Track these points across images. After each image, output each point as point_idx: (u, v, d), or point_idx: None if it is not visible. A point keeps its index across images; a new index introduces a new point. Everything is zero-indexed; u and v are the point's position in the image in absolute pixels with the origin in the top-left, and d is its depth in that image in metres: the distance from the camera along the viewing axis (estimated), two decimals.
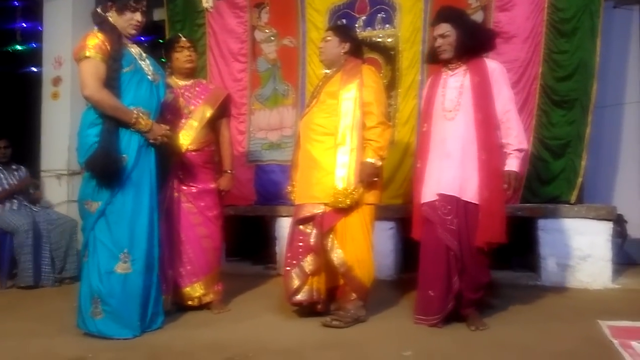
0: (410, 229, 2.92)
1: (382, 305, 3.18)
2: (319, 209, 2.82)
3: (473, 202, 2.67)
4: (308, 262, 2.87)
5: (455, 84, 2.79)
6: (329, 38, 3.05)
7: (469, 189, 2.68)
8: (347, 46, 3.02)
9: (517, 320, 2.85)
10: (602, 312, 2.94)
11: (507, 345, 2.46)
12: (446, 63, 2.87)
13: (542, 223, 3.78)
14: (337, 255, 2.80)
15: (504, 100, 2.74)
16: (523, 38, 4.01)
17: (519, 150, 2.74)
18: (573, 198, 3.85)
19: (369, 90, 2.87)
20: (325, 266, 2.86)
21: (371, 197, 2.88)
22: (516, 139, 2.73)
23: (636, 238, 4.24)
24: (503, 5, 4.07)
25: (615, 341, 2.40)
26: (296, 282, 2.87)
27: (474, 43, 2.79)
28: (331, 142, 2.84)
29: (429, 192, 2.76)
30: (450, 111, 2.76)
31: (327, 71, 3.09)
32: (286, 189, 3.20)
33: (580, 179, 3.86)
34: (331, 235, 2.82)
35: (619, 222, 3.88)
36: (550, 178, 3.96)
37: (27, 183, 4.36)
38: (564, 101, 3.93)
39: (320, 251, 2.84)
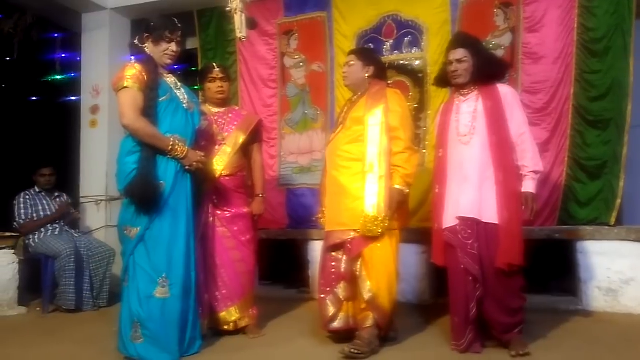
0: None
1: (417, 330, 3.15)
2: (348, 236, 2.81)
3: (493, 222, 2.65)
4: (341, 289, 2.86)
5: (469, 109, 2.81)
6: (352, 63, 3.04)
7: (489, 210, 2.67)
8: (371, 70, 3.01)
9: (560, 346, 2.79)
10: None
11: None
12: (458, 89, 2.89)
13: (581, 246, 3.69)
14: (363, 282, 2.77)
15: (518, 123, 2.75)
16: (553, 59, 3.99)
17: (535, 172, 2.74)
18: (612, 220, 3.76)
19: (395, 115, 2.86)
20: (359, 292, 2.84)
21: (397, 222, 2.86)
22: (532, 160, 2.73)
23: None
24: (532, 27, 4.06)
25: None
26: (332, 310, 2.86)
27: (489, 71, 2.83)
28: (358, 167, 2.83)
29: (449, 217, 2.75)
30: (465, 135, 2.77)
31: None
32: (316, 216, 3.21)
33: (619, 200, 3.76)
34: (359, 262, 2.80)
35: None
36: (588, 200, 3.88)
37: (66, 208, 4.47)
38: (599, 121, 3.87)
39: (352, 278, 2.82)
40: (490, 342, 2.76)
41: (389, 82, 4.39)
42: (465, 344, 2.68)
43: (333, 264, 2.89)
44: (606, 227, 3.73)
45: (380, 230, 2.72)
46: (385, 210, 2.73)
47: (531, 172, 2.73)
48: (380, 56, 3.59)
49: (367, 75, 3.01)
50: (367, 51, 3.44)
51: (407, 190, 2.85)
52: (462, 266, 2.65)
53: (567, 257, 3.78)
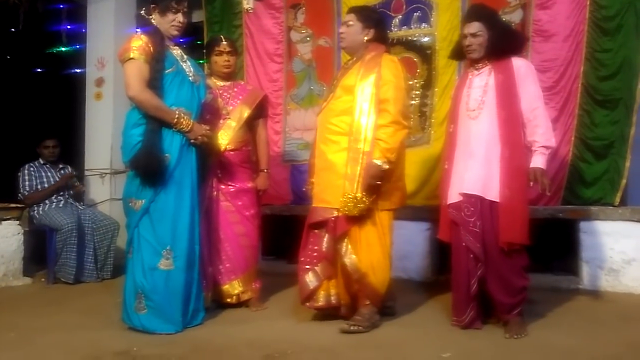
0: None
1: (419, 307, 3.17)
2: (331, 214, 2.70)
3: (497, 200, 2.62)
4: (321, 268, 2.78)
5: (480, 83, 2.76)
6: (351, 23, 2.85)
7: (493, 188, 2.63)
8: (371, 32, 2.83)
9: (559, 325, 2.79)
10: None
11: (548, 349, 2.42)
12: (472, 63, 2.84)
13: (584, 225, 3.68)
14: (351, 261, 2.68)
15: (531, 98, 2.68)
16: (564, 36, 3.91)
17: (546, 147, 2.67)
18: (617, 200, 3.74)
19: (387, 86, 2.69)
20: (345, 270, 2.75)
21: (387, 203, 2.76)
22: (543, 136, 2.66)
23: None
24: (543, 3, 3.98)
25: None
26: (310, 287, 2.78)
27: (504, 46, 2.75)
28: (346, 142, 2.71)
29: (454, 193, 2.73)
30: (474, 110, 2.73)
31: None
32: (306, 187, 3.16)
33: (624, 181, 3.73)
34: (345, 240, 2.70)
35: None
36: (593, 180, 3.85)
37: (69, 177, 4.48)
38: (607, 101, 3.81)
39: (333, 258, 2.74)
40: (492, 319, 2.78)
41: (398, 58, 4.43)
42: (467, 320, 2.68)
43: (314, 241, 2.79)
44: (610, 207, 3.71)
45: (356, 212, 2.61)
46: (362, 189, 2.62)
47: (542, 146, 2.66)
48: (382, 17, 3.29)
49: (365, 38, 2.83)
50: (369, 11, 3.09)
51: (387, 167, 2.64)
52: (464, 244, 2.64)
53: (570, 237, 3.78)
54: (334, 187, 2.70)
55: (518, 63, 2.75)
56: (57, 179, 4.44)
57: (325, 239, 2.77)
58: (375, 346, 2.49)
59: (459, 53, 2.94)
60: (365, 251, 2.70)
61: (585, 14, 3.85)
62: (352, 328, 2.65)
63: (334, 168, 2.74)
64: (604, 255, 3.61)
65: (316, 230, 2.80)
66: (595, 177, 3.85)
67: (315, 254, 2.79)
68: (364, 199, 2.63)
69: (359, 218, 2.67)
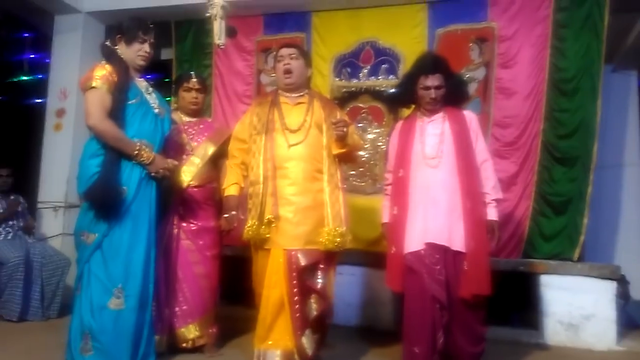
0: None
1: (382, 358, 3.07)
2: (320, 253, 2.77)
3: (462, 251, 2.62)
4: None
5: (435, 130, 2.78)
6: (294, 56, 2.83)
7: (457, 238, 2.63)
8: (309, 72, 2.92)
9: None
10: None
11: None
12: (421, 108, 2.87)
13: (545, 279, 3.72)
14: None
15: (481, 150, 2.79)
16: (525, 95, 4.07)
17: (496, 201, 2.77)
18: (575, 255, 3.80)
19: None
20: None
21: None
22: (493, 189, 2.76)
23: (639, 300, 4.17)
24: (505, 63, 4.15)
25: None
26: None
27: (459, 97, 2.86)
28: (325, 178, 2.81)
29: (414, 241, 2.66)
30: (433, 158, 2.73)
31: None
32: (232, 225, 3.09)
33: (582, 237, 3.82)
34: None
35: (622, 283, 3.82)
36: (552, 234, 3.92)
37: (15, 206, 4.26)
38: (566, 159, 3.95)
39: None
40: None
41: (365, 107, 4.50)
42: None
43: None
44: (570, 262, 3.77)
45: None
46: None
47: (493, 199, 2.75)
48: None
49: (308, 76, 2.90)
50: (306, 52, 3.17)
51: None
52: (430, 293, 2.55)
53: (529, 290, 3.80)
54: (322, 224, 2.68)
55: (470, 115, 2.84)
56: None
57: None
58: None
59: (405, 101, 2.99)
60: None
61: (544, 75, 4.03)
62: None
63: (323, 206, 2.71)
64: (563, 309, 3.63)
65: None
66: (555, 232, 3.93)
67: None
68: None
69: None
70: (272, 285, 2.63)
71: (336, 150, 2.75)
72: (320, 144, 2.78)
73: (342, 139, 2.71)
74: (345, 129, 2.67)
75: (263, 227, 2.67)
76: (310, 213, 2.69)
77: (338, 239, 2.64)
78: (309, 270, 2.66)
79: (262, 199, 2.70)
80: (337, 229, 2.66)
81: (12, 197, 4.33)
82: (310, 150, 2.76)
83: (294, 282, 2.61)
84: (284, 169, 2.74)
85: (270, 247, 2.69)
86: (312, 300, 2.68)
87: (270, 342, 2.60)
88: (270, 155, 2.74)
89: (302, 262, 2.63)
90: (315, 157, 2.76)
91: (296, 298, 2.60)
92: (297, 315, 2.58)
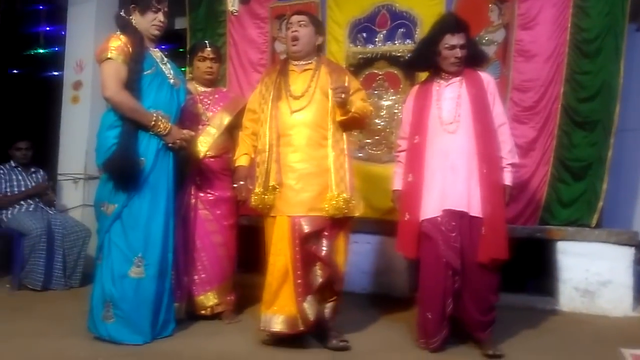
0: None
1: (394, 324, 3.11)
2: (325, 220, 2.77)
3: (479, 216, 2.59)
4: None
5: (452, 94, 2.72)
6: (304, 23, 2.78)
7: (475, 204, 2.60)
8: (320, 40, 2.85)
9: (535, 347, 2.77)
10: (624, 340, 2.86)
11: None
12: (439, 73, 2.80)
13: (561, 246, 3.69)
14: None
15: (499, 113, 2.72)
16: (545, 57, 3.96)
17: (512, 165, 2.72)
18: (593, 222, 3.76)
19: (362, 92, 2.89)
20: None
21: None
22: (510, 153, 2.70)
23: None
24: (526, 24, 4.02)
25: None
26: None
27: (478, 58, 2.79)
28: (330, 143, 2.80)
29: (431, 208, 2.63)
30: (451, 123, 2.68)
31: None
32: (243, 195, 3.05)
33: (601, 203, 3.76)
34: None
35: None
36: (571, 200, 3.87)
37: (43, 188, 4.35)
38: (586, 122, 3.86)
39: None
40: (457, 338, 2.70)
41: (381, 73, 4.43)
42: (438, 342, 2.58)
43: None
44: (587, 228, 3.74)
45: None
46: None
47: (509, 164, 2.70)
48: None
49: (317, 43, 2.83)
50: (317, 19, 3.09)
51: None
52: (444, 259, 2.56)
53: (546, 257, 3.79)
54: (326, 191, 2.64)
55: (487, 78, 2.77)
56: (29, 182, 4.30)
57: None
58: None
59: (425, 64, 2.88)
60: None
61: (566, 36, 3.90)
62: (341, 344, 2.62)
63: (328, 172, 2.67)
64: (579, 276, 3.62)
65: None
66: (573, 198, 3.87)
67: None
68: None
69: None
70: (278, 252, 2.64)
71: (339, 117, 2.72)
72: (326, 110, 2.73)
73: (342, 106, 2.66)
74: (343, 95, 2.61)
75: (267, 194, 2.67)
76: (314, 180, 2.67)
77: (342, 205, 2.61)
78: (313, 237, 2.64)
79: (267, 166, 2.69)
80: (341, 195, 2.61)
81: (32, 170, 4.41)
82: (314, 116, 2.72)
83: (297, 248, 2.61)
84: (288, 136, 2.72)
85: (276, 214, 2.69)
86: (317, 267, 2.67)
87: (275, 308, 2.63)
88: (275, 123, 2.73)
89: (306, 229, 2.62)
90: (319, 123, 2.72)
91: (299, 264, 2.60)
92: (299, 281, 2.59)
